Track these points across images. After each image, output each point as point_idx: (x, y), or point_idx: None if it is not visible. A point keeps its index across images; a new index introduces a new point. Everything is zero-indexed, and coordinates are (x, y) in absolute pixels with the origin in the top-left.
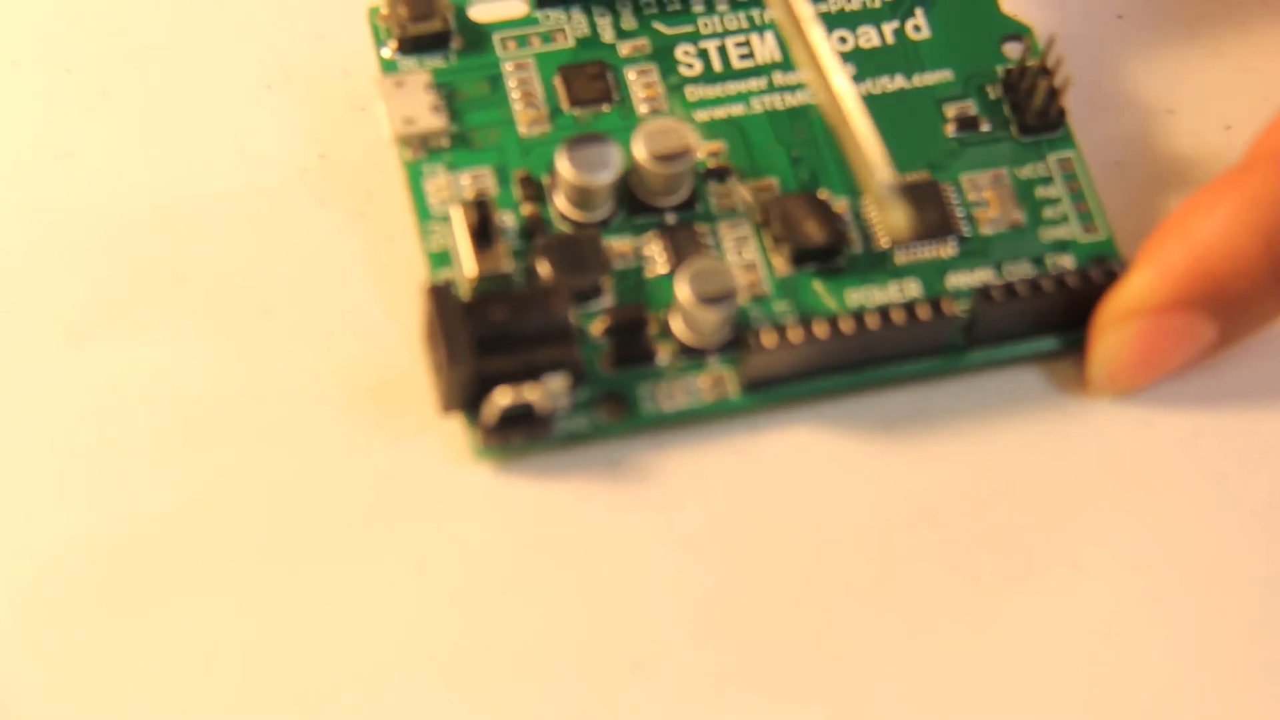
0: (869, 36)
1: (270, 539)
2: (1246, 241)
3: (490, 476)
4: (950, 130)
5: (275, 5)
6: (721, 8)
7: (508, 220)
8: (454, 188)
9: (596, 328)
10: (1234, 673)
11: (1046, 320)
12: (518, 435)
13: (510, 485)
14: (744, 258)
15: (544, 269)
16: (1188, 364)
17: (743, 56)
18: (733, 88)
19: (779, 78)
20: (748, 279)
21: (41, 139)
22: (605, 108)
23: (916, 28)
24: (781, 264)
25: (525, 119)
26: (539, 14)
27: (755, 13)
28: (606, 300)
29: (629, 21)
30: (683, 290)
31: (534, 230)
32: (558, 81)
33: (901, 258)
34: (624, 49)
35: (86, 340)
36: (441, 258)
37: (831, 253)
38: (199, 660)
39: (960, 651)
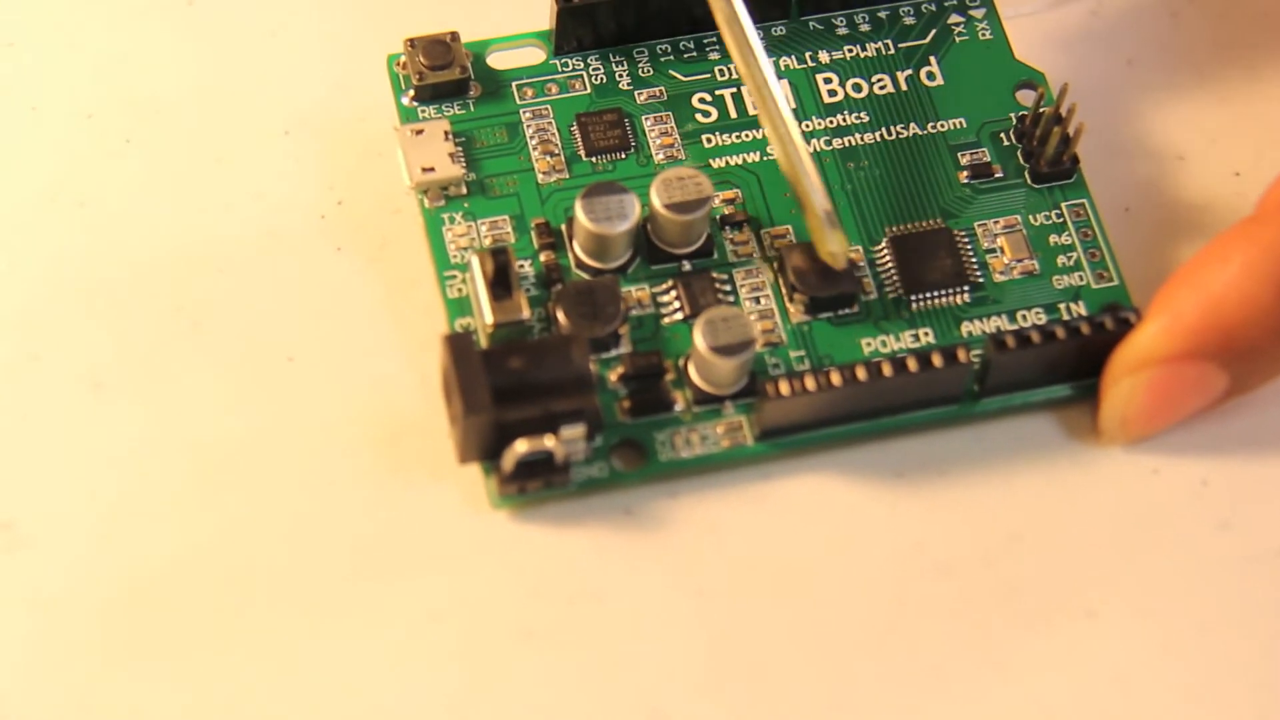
0: (883, 84)
1: (287, 586)
2: (1259, 292)
3: (507, 524)
4: (964, 177)
5: (294, 52)
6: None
7: (525, 268)
8: (472, 235)
9: (614, 375)
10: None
11: (1059, 368)
12: (535, 484)
13: (527, 533)
14: (760, 305)
15: (561, 317)
16: (1199, 413)
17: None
18: (748, 135)
19: None
20: (763, 326)
21: (62, 185)
22: (622, 155)
23: (930, 75)
24: (796, 312)
25: (543, 167)
26: (556, 61)
27: (770, 60)
28: (624, 347)
29: (646, 69)
30: (700, 339)
31: (552, 278)
32: (575, 129)
33: (916, 305)
34: (641, 96)
35: (107, 389)
36: (460, 305)
37: (846, 300)
38: (214, 706)
39: (973, 700)
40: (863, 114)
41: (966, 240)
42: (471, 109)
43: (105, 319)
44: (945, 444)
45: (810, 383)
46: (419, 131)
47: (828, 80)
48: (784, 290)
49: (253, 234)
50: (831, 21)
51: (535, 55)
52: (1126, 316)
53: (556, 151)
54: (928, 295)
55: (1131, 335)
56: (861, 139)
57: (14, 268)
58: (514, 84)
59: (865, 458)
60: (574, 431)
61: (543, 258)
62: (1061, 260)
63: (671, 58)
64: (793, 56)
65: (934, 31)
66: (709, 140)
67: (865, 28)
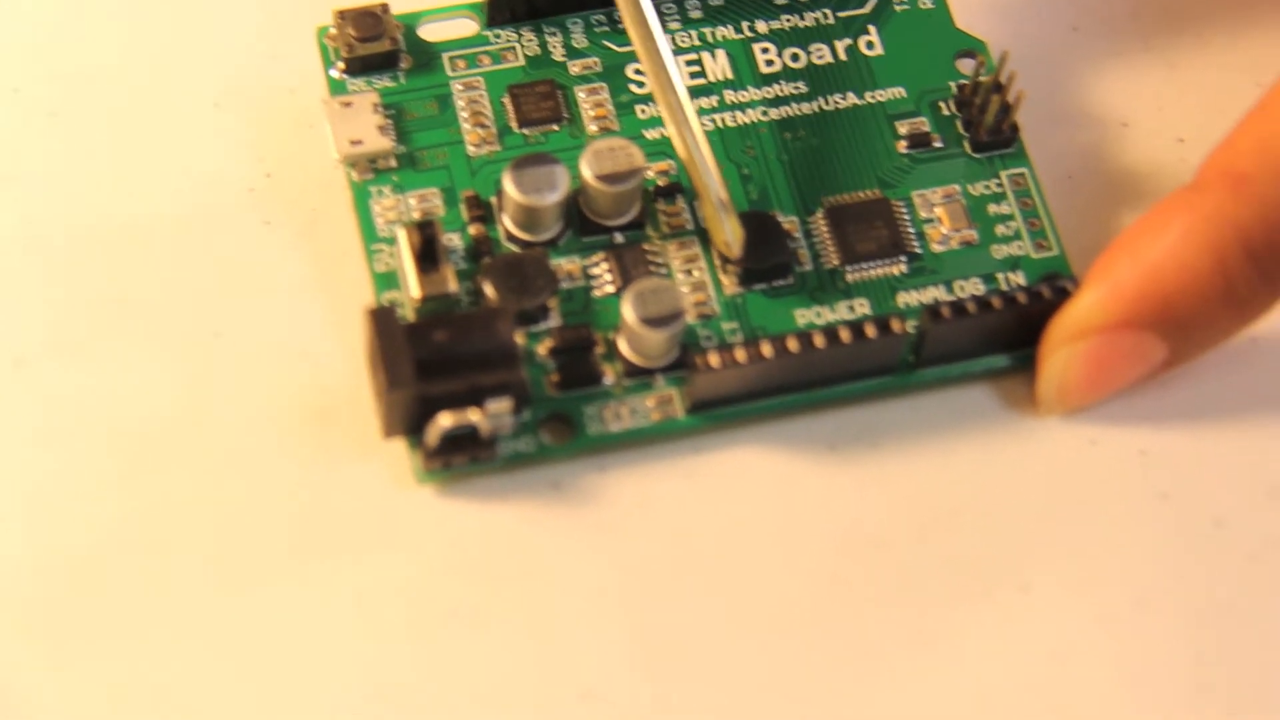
0: (822, 53)
1: (212, 563)
2: (1197, 261)
3: (433, 499)
4: (902, 147)
5: (224, 24)
6: (673, 25)
7: (455, 241)
8: (401, 209)
9: (543, 349)
10: (1179, 693)
11: (997, 338)
12: (461, 458)
13: (453, 508)
14: (693, 277)
15: (489, 290)
16: (1138, 382)
17: (694, 75)
18: None
19: (730, 95)
20: (696, 299)
21: None
22: (555, 127)
23: (870, 44)
24: (730, 284)
25: (474, 139)
26: (489, 33)
27: (707, 30)
28: (553, 321)
29: (580, 40)
30: (629, 311)
31: (481, 251)
32: (507, 101)
33: (852, 276)
34: (574, 68)
35: (28, 365)
36: (387, 279)
37: (780, 271)
38: (136, 686)
39: (906, 675)
40: (800, 84)
41: (904, 210)
42: (402, 81)
43: (27, 294)
44: (882, 416)
45: (741, 354)
46: (347, 104)
47: (765, 50)
48: (717, 262)
49: (180, 208)
50: None
51: (468, 27)
52: (1064, 286)
53: (488, 123)
54: (864, 266)
55: (1069, 304)
56: (799, 109)
57: None
58: (446, 56)
59: (798, 430)
60: (500, 405)
61: (472, 231)
62: (1001, 230)
63: (606, 28)
64: (730, 26)
65: (874, 1)
66: (643, 111)
67: None
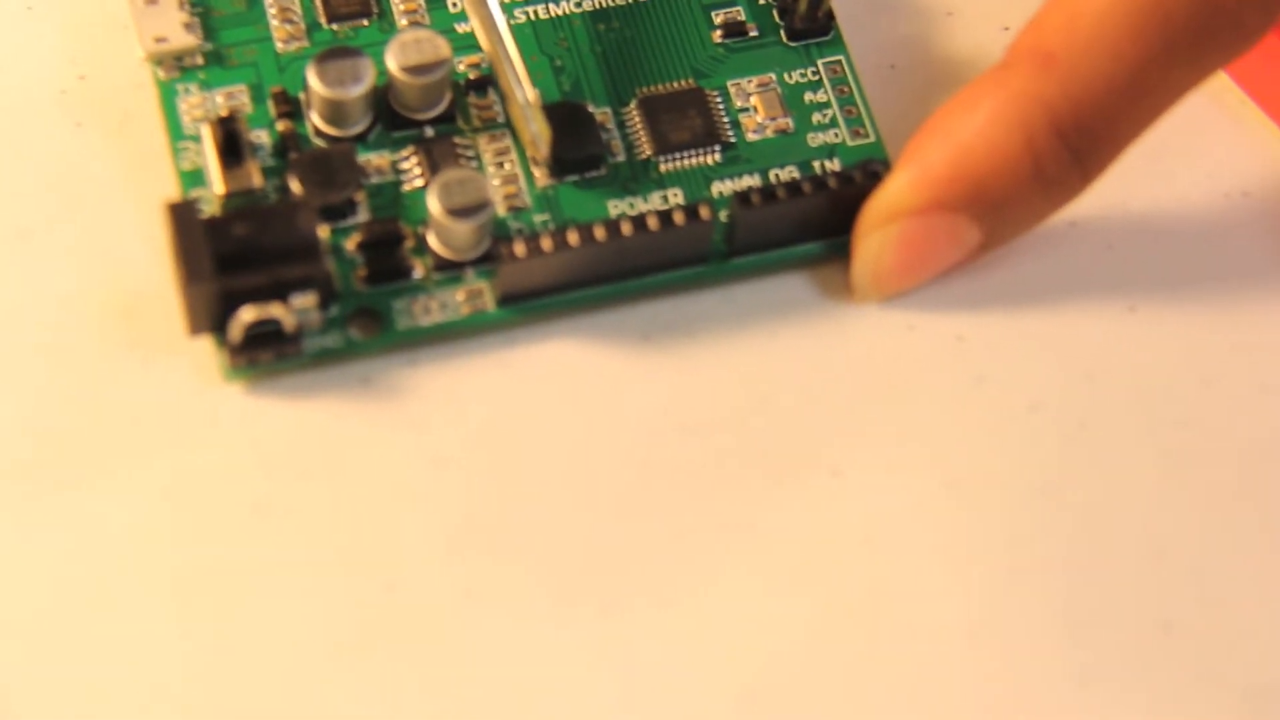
0: None
1: (21, 460)
2: (1007, 140)
3: (240, 397)
4: (717, 37)
5: None
6: None
7: (264, 139)
8: (208, 106)
9: (351, 244)
10: (993, 576)
11: (810, 225)
12: (267, 355)
13: (261, 405)
14: (504, 170)
15: (295, 185)
16: (953, 266)
17: None
18: None
19: None
20: (507, 191)
21: None
22: (365, 22)
23: None
24: (541, 176)
25: (282, 35)
26: None
27: None
28: (361, 216)
29: None
30: (434, 202)
31: (288, 147)
32: None
33: (665, 166)
34: None
35: None
36: (194, 177)
37: (592, 163)
38: None
39: (717, 560)
40: None
41: (719, 100)
42: None
43: None
44: (696, 306)
45: (547, 243)
46: (153, 1)
47: None
48: (529, 153)
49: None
50: None
51: None
52: (875, 169)
53: (296, 19)
54: (677, 155)
55: (880, 188)
56: (613, 0)
57: None
58: None
59: (611, 321)
60: (305, 300)
61: (280, 127)
62: (817, 118)
63: None
64: None
65: None
66: (454, 5)
67: None
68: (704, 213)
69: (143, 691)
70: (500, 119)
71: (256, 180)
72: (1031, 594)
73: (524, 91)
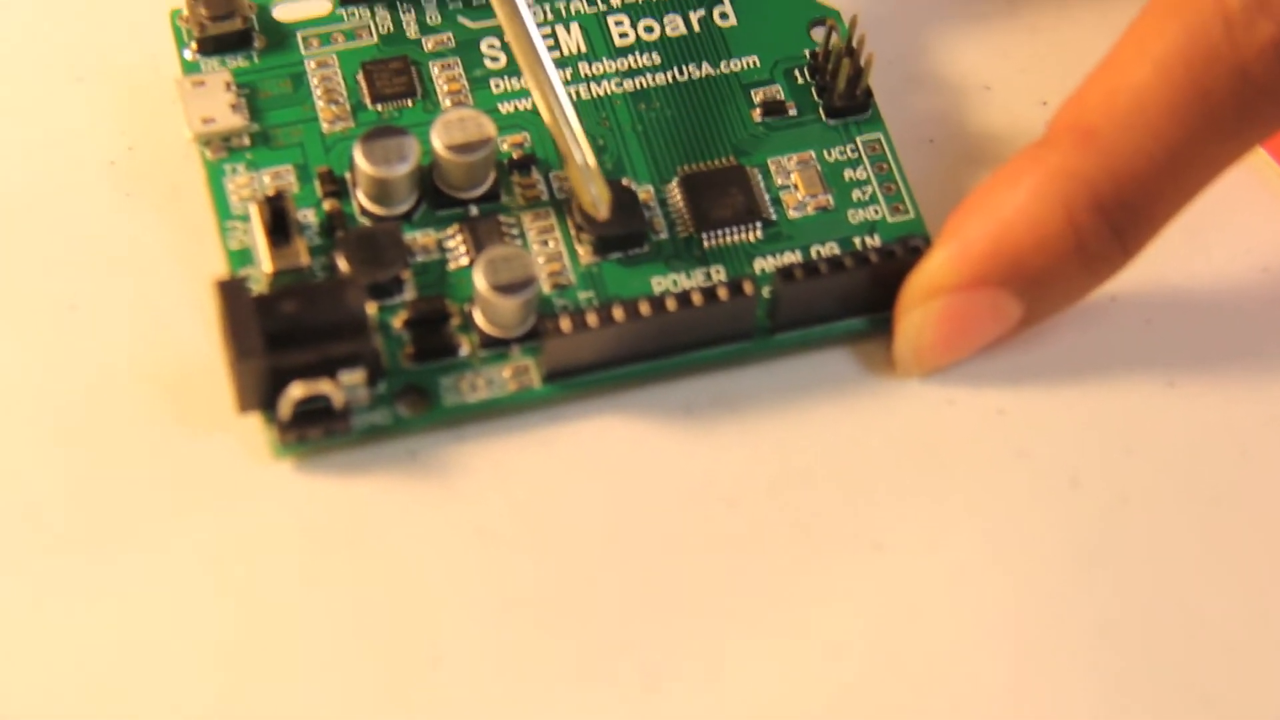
0: (675, 25)
1: (68, 535)
2: (1048, 216)
3: (290, 474)
4: (757, 115)
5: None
6: None
7: (310, 218)
8: (255, 186)
9: (398, 321)
10: (1034, 649)
11: (853, 300)
12: (316, 431)
13: (310, 482)
14: (549, 248)
15: (342, 263)
16: (994, 341)
17: (548, 48)
18: None
19: (584, 68)
20: (551, 269)
21: None
22: (409, 103)
23: (724, 15)
24: (585, 253)
25: (327, 116)
26: (343, 11)
27: (561, 5)
28: (408, 294)
29: (433, 16)
30: (480, 279)
31: (335, 226)
32: (361, 78)
33: (708, 243)
34: (428, 44)
35: None
36: (242, 256)
37: (636, 240)
38: None
39: (759, 633)
40: (654, 55)
41: (760, 177)
42: (256, 60)
43: None
44: (739, 381)
45: (593, 319)
46: (200, 83)
47: (619, 23)
48: (572, 231)
49: (42, 180)
50: None
51: (322, 6)
52: (916, 245)
53: (341, 100)
54: (719, 232)
55: (921, 263)
56: (654, 80)
57: None
58: (299, 34)
59: (655, 397)
60: (353, 376)
61: (326, 206)
62: (856, 195)
63: (459, 4)
64: (583, 0)
65: None
66: (497, 85)
67: None
68: (748, 288)
69: None
70: (544, 197)
71: (304, 259)
72: (1073, 668)
73: (583, 155)
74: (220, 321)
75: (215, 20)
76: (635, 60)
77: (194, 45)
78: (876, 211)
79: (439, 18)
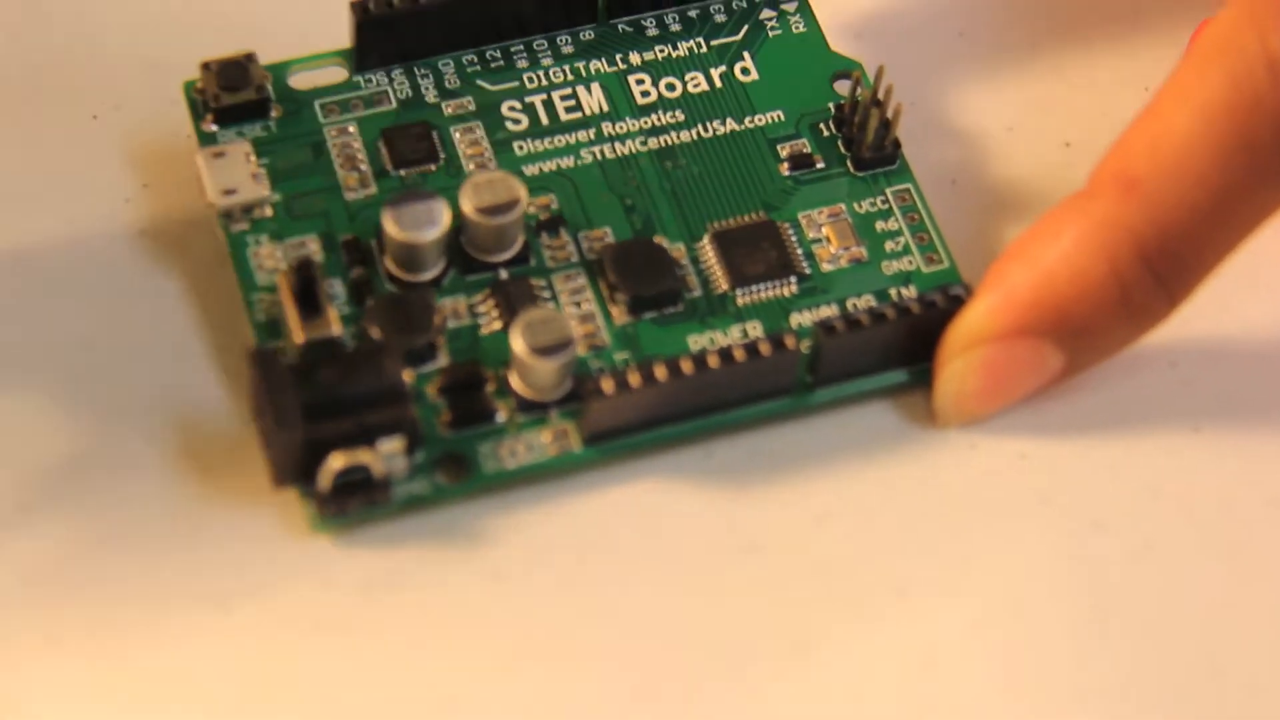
0: (697, 82)
1: (102, 615)
2: (1091, 266)
3: (329, 548)
4: (785, 170)
5: (102, 36)
6: (546, 61)
7: (337, 288)
8: (279, 256)
9: (432, 389)
10: (1055, 696)
11: (893, 352)
12: (355, 503)
13: (350, 556)
14: (581, 310)
15: (375, 331)
16: (1036, 391)
17: (569, 109)
18: (561, 140)
19: (608, 128)
20: (585, 330)
21: None
22: (431, 167)
23: (745, 70)
24: (619, 313)
25: (350, 183)
26: (359, 78)
27: (581, 65)
28: (441, 360)
29: (452, 80)
30: (518, 342)
31: (364, 293)
32: (381, 144)
33: (742, 299)
34: (448, 108)
35: None
36: (270, 328)
37: (670, 299)
38: None
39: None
40: (678, 113)
41: (791, 232)
42: (274, 130)
43: None
44: (782, 439)
45: (635, 378)
46: (219, 154)
47: (640, 82)
48: (605, 292)
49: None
50: (641, 23)
51: (338, 74)
52: (958, 294)
53: (363, 167)
54: (753, 288)
55: (963, 313)
56: (678, 138)
57: None
58: (317, 103)
59: (692, 458)
60: (392, 445)
61: (353, 274)
62: (890, 246)
63: (478, 68)
64: (603, 59)
65: (746, 27)
66: (521, 148)
67: (676, 27)
68: (789, 343)
69: None
70: (574, 259)
71: (335, 328)
72: (1096, 715)
73: None
74: (255, 392)
75: (229, 90)
76: (659, 118)
77: (211, 116)
78: (911, 262)
79: (458, 81)
